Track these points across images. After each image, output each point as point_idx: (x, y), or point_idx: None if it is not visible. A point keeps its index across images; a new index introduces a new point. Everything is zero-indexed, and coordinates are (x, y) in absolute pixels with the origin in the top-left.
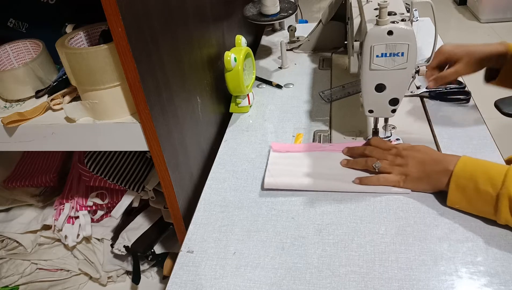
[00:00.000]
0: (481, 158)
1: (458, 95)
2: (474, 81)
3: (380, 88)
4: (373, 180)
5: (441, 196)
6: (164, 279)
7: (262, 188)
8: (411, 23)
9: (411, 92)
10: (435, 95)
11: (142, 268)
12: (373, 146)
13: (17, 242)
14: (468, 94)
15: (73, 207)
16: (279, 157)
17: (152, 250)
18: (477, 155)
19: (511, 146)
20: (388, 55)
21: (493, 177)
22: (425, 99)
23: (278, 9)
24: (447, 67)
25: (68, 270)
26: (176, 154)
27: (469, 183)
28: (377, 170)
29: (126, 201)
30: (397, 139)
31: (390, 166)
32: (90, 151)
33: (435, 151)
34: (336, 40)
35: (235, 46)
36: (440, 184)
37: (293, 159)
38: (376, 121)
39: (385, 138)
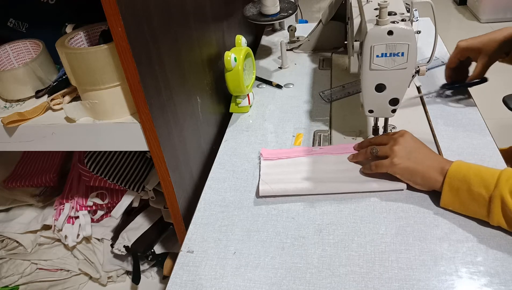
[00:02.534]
0: (481, 158)
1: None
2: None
3: (380, 88)
4: (367, 168)
5: (440, 194)
6: (164, 279)
7: (257, 196)
8: (411, 23)
9: (418, 95)
10: (440, 94)
11: (142, 268)
12: (379, 136)
13: (17, 242)
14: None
15: (73, 207)
16: (271, 166)
17: (152, 250)
18: (477, 155)
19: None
20: (388, 55)
21: (486, 180)
22: (425, 99)
23: (278, 9)
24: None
25: (68, 270)
26: (176, 154)
27: (462, 185)
28: (375, 155)
29: (126, 201)
30: None
31: (389, 148)
32: (90, 151)
33: (435, 152)
34: (336, 40)
35: (235, 46)
36: (434, 182)
37: (285, 167)
38: (376, 121)
39: None
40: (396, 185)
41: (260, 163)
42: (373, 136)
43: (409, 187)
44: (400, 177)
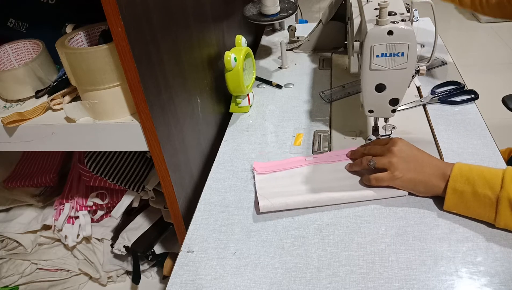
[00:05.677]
0: (481, 158)
1: (463, 95)
2: (475, 82)
3: (380, 88)
4: (367, 179)
5: (441, 196)
6: (164, 279)
7: (257, 213)
8: (411, 23)
9: (421, 100)
10: (443, 100)
11: (142, 268)
12: (372, 145)
13: (17, 242)
14: (473, 92)
15: (73, 207)
16: (266, 180)
17: (152, 250)
18: (477, 155)
19: (511, 146)
20: (388, 55)
21: (489, 180)
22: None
23: (278, 9)
24: None
25: (68, 270)
26: (176, 154)
27: (466, 187)
28: (373, 168)
29: (126, 201)
30: None
31: (387, 161)
32: (90, 151)
33: (431, 155)
34: (336, 40)
35: (235, 46)
36: (436, 189)
37: (281, 180)
38: (376, 121)
39: (385, 136)
40: (397, 192)
41: (254, 177)
42: (373, 136)
43: None
44: (403, 189)
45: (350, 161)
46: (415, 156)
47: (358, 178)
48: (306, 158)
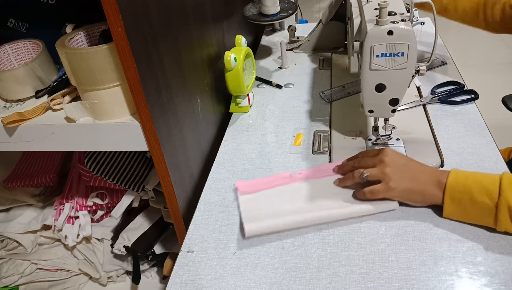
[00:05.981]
0: (481, 158)
1: (463, 95)
2: (475, 82)
3: (380, 88)
4: (361, 194)
5: None
6: (164, 279)
7: (244, 237)
8: (411, 23)
9: (421, 100)
10: (443, 100)
11: (142, 268)
12: (361, 157)
13: (17, 242)
14: (473, 92)
15: (73, 207)
16: (252, 201)
17: (152, 250)
18: (477, 155)
19: (511, 146)
20: (388, 55)
21: (486, 187)
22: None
23: (278, 9)
24: None
25: (68, 270)
26: (176, 154)
27: (464, 195)
28: (365, 181)
29: (126, 201)
30: (397, 139)
31: (380, 172)
32: (90, 151)
33: (423, 164)
34: (336, 40)
35: (235, 46)
36: (434, 197)
37: (267, 200)
38: (376, 121)
39: (385, 136)
40: (388, 204)
41: (237, 198)
42: (373, 136)
43: None
44: (399, 200)
45: (338, 176)
46: (408, 165)
47: (348, 194)
48: (291, 174)
